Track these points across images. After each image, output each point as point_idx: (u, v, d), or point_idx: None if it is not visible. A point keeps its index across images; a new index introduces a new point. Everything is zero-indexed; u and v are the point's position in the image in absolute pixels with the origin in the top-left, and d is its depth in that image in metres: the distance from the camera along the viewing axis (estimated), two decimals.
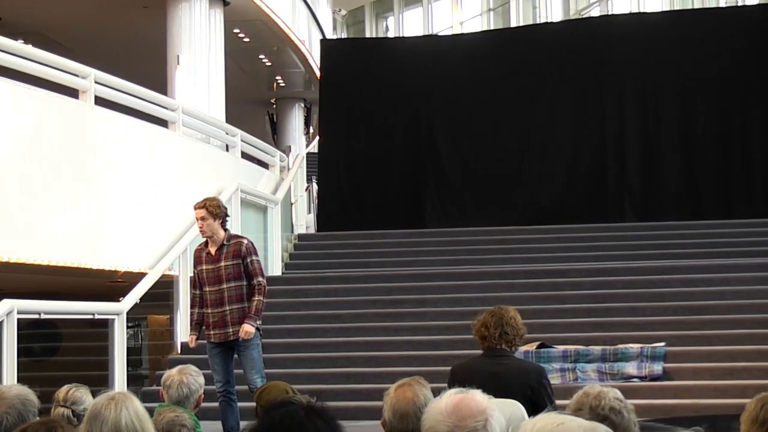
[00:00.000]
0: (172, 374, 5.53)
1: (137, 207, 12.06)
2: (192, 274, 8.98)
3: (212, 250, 8.66)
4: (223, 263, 8.58)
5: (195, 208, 8.68)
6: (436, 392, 3.24)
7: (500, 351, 5.85)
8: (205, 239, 8.80)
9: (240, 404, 8.67)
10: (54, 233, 10.50)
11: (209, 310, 8.63)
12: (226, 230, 8.71)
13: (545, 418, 2.54)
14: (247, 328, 8.49)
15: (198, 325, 8.77)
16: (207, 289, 8.65)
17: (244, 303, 8.58)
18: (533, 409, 4.86)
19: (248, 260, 8.60)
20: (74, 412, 4.96)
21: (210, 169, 13.99)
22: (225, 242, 8.62)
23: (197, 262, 8.80)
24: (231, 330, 8.55)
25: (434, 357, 11.10)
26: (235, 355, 8.71)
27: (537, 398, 5.53)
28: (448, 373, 6.04)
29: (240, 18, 19.32)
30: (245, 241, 8.74)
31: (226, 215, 8.77)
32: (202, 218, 8.57)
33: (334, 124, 17.62)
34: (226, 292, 8.57)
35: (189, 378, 5.48)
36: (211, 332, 8.63)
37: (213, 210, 8.59)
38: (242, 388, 8.67)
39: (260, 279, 8.63)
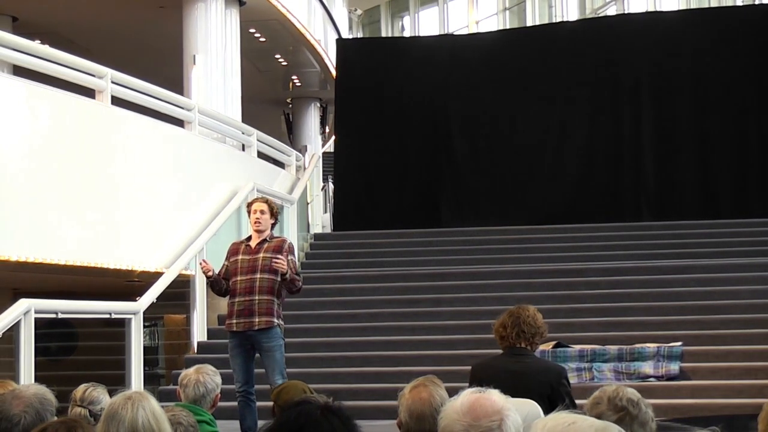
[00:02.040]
0: (189, 373, 5.54)
1: (153, 206, 12.09)
2: (222, 267, 8.94)
3: (253, 243, 8.74)
4: (261, 255, 8.62)
5: (256, 201, 8.91)
6: (453, 392, 3.23)
7: (520, 350, 5.82)
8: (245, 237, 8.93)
9: (259, 404, 8.64)
10: (71, 233, 10.53)
11: (236, 299, 8.62)
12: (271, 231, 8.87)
13: (557, 417, 2.53)
14: (282, 263, 8.42)
15: (219, 276, 8.75)
16: (239, 278, 8.64)
17: (273, 297, 8.59)
18: (551, 409, 4.84)
19: (288, 258, 8.67)
20: (91, 411, 4.97)
21: (226, 169, 14.01)
22: (268, 239, 8.73)
23: (232, 254, 8.81)
24: (257, 320, 8.53)
25: (450, 356, 11.10)
26: (257, 355, 8.72)
27: (556, 398, 5.51)
28: (465, 372, 6.03)
29: (256, 18, 19.34)
30: (288, 241, 8.91)
31: (278, 219, 9.03)
32: (262, 211, 8.74)
33: (350, 123, 17.62)
34: (258, 282, 8.57)
35: (206, 377, 5.49)
36: (234, 321, 8.59)
37: (273, 208, 8.85)
38: (262, 388, 8.65)
39: (297, 277, 8.74)
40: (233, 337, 8.64)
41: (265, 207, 8.76)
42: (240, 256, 8.73)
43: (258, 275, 8.60)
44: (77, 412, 4.97)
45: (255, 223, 8.75)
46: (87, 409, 4.99)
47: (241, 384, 8.55)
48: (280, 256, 8.47)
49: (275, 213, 8.83)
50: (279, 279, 8.60)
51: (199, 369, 5.57)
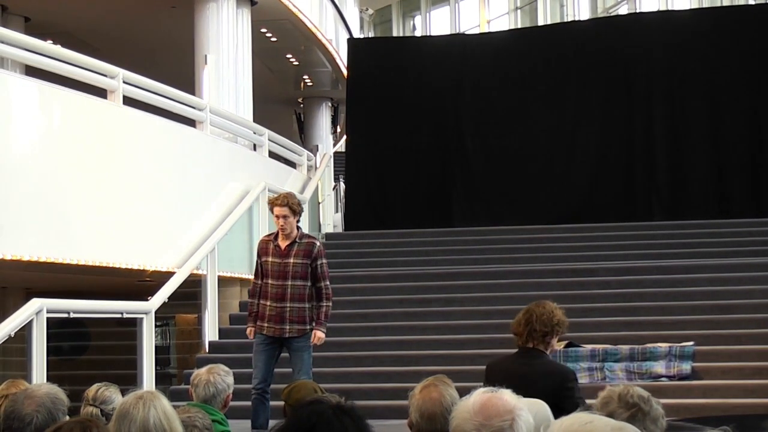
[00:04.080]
0: (200, 373, 5.56)
1: (165, 206, 12.10)
2: (255, 264, 8.95)
3: (282, 244, 8.67)
4: (292, 260, 8.60)
5: (277, 205, 8.67)
6: (463, 391, 3.23)
7: (530, 350, 5.78)
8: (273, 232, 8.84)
9: (273, 403, 8.61)
10: (83, 233, 10.55)
11: (268, 303, 8.62)
12: (298, 228, 8.77)
13: (573, 417, 2.53)
14: (320, 335, 8.64)
15: (256, 316, 8.76)
16: (270, 281, 8.65)
17: (305, 303, 8.59)
18: (558, 412, 4.82)
19: (318, 263, 8.64)
20: (103, 411, 4.98)
21: (237, 169, 14.02)
22: (297, 240, 8.66)
23: (262, 252, 8.79)
24: (288, 327, 8.55)
25: (461, 356, 11.09)
26: (285, 354, 8.72)
27: (560, 402, 5.47)
28: (476, 372, 6.01)
29: (267, 18, 19.34)
30: (317, 243, 8.80)
31: (302, 211, 8.85)
32: (285, 216, 8.61)
33: (361, 123, 17.62)
34: (290, 289, 8.57)
35: (217, 377, 5.50)
36: (265, 324, 8.61)
37: (295, 208, 8.68)
38: (277, 387, 8.61)
39: (327, 283, 8.73)
40: (262, 334, 8.66)
41: (286, 211, 8.60)
42: (270, 258, 8.69)
43: (289, 282, 8.58)
44: (89, 411, 4.99)
45: (281, 229, 8.66)
46: (99, 409, 5.01)
47: (259, 381, 8.56)
48: (318, 335, 8.61)
49: (299, 210, 8.69)
50: (310, 284, 8.61)
51: (210, 369, 5.59)
